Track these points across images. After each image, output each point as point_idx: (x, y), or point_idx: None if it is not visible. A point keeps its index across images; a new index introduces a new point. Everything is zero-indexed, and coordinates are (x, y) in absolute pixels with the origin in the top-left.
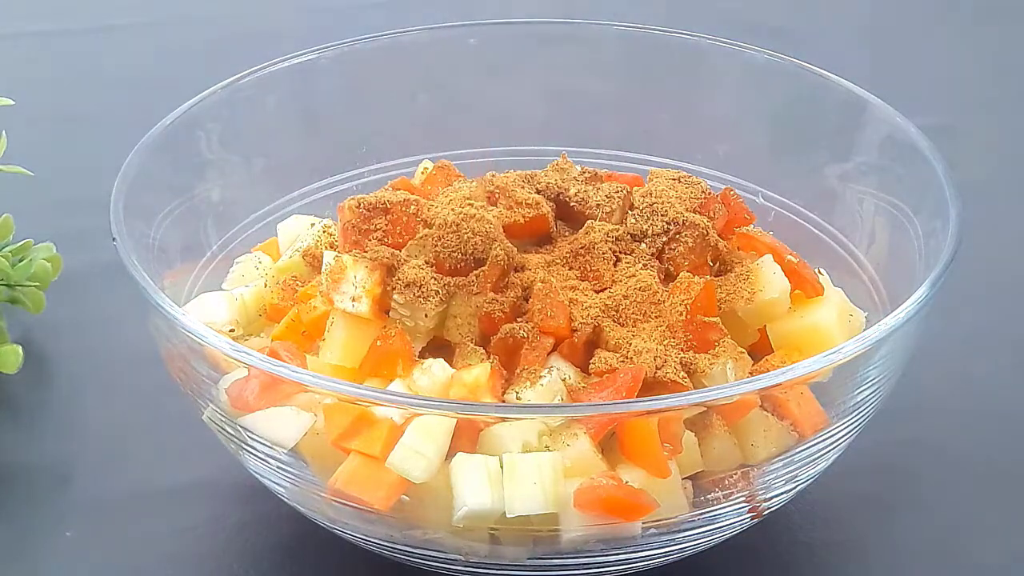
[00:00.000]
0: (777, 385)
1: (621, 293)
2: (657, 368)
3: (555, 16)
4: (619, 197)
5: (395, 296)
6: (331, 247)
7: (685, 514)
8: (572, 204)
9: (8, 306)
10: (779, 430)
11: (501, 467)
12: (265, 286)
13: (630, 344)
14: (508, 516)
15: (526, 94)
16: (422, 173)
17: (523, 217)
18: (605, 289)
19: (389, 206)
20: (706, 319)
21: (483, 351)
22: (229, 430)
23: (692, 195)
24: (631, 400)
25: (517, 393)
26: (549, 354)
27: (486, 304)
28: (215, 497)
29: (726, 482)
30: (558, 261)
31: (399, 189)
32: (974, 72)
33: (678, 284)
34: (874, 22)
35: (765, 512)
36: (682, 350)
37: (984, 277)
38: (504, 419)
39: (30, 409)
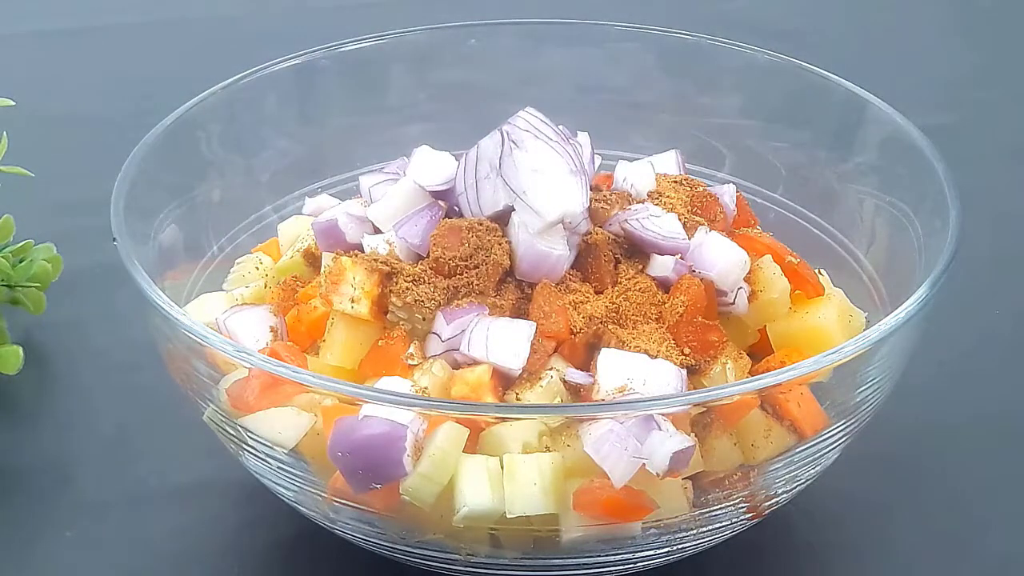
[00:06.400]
0: (777, 385)
1: (621, 295)
2: None
3: (555, 16)
4: (620, 199)
5: (393, 298)
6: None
7: (685, 514)
8: None
9: (8, 307)
10: (779, 430)
11: (501, 467)
12: (265, 286)
13: (630, 346)
14: (508, 516)
15: (526, 94)
16: None
17: None
18: (606, 291)
19: None
20: (706, 320)
21: None
22: (229, 430)
23: (693, 196)
24: (630, 400)
25: (517, 394)
26: (550, 355)
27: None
28: (215, 497)
29: (726, 482)
30: None
31: None
32: (974, 72)
33: (678, 285)
34: (874, 22)
35: (765, 512)
36: (682, 351)
37: (984, 277)
38: (504, 419)
39: (30, 409)
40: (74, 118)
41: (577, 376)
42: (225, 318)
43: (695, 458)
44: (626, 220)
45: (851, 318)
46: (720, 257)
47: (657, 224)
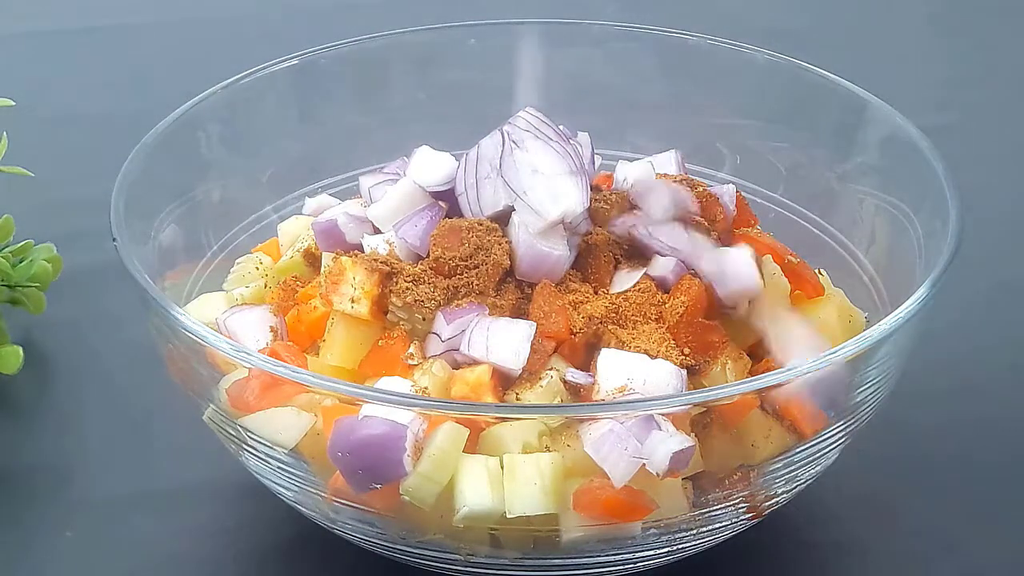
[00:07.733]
0: (777, 385)
1: (622, 295)
2: None
3: (555, 16)
4: (620, 199)
5: (393, 298)
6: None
7: (685, 514)
8: None
9: (8, 307)
10: (779, 430)
11: (501, 467)
12: (265, 286)
13: (630, 346)
14: (508, 516)
15: (526, 95)
16: None
17: None
18: (605, 291)
19: None
20: (706, 321)
21: None
22: (229, 430)
23: (693, 196)
24: (630, 400)
25: (517, 394)
26: (550, 355)
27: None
28: (215, 497)
29: (726, 482)
30: None
31: None
32: (974, 72)
33: (678, 285)
34: (874, 23)
35: (765, 512)
36: (682, 351)
37: (984, 277)
38: (504, 419)
39: (30, 409)
40: (74, 118)
41: (577, 376)
42: (225, 318)
43: (695, 458)
44: (634, 226)
45: (851, 318)
46: (738, 275)
47: (667, 234)
